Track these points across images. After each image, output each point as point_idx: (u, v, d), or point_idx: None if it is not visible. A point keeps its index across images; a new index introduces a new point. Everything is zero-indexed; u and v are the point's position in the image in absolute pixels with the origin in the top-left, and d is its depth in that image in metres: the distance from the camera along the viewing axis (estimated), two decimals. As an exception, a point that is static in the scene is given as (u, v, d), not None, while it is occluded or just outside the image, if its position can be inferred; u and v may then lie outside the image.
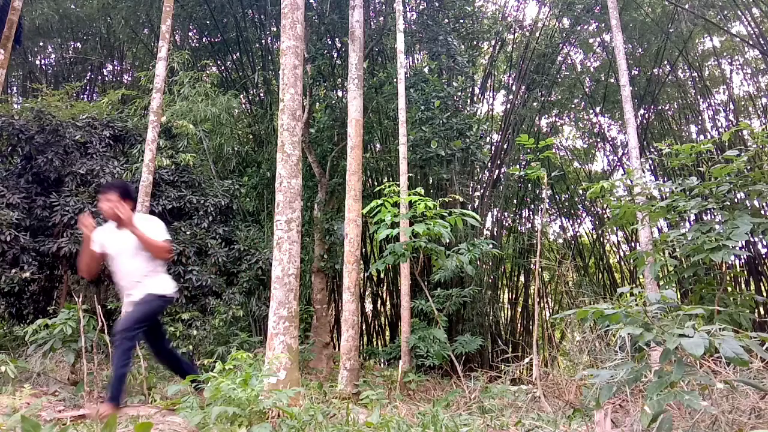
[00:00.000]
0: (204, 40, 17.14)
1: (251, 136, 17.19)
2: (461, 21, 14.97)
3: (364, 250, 16.28)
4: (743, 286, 15.24)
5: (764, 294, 13.76)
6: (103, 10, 15.84)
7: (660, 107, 17.88)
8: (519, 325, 17.54)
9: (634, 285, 13.28)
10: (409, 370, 9.60)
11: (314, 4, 14.92)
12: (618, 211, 7.66)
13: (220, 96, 12.41)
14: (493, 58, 17.65)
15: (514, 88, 17.24)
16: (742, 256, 14.56)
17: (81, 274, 5.57)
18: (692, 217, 10.82)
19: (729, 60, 17.39)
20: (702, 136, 16.90)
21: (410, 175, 11.97)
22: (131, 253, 5.19)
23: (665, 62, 16.17)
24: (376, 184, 15.84)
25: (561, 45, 16.68)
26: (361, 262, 11.79)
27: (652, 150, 16.87)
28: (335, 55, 15.62)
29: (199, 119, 11.65)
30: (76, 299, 7.85)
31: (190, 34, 17.73)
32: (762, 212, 11.33)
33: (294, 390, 5.31)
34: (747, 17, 14.39)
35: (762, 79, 17.11)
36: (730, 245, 6.14)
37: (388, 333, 17.93)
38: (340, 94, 15.08)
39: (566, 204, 19.98)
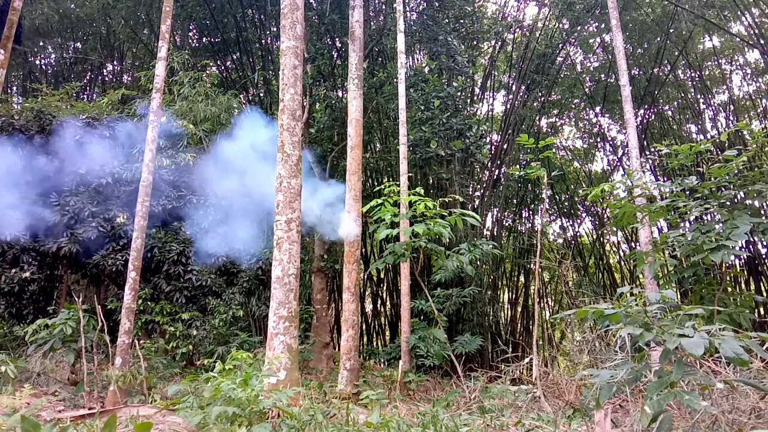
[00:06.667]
0: (204, 40, 17.14)
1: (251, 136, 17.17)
2: (461, 21, 14.96)
3: (364, 250, 16.28)
4: (743, 286, 15.23)
5: (764, 294, 13.76)
6: (103, 10, 15.85)
7: (660, 107, 17.88)
8: (519, 325, 17.53)
9: (634, 285, 13.29)
10: (409, 370, 9.60)
11: (314, 4, 14.92)
12: (618, 212, 7.67)
13: (220, 96, 12.41)
14: (493, 58, 17.64)
15: (514, 88, 17.24)
16: (742, 256, 14.56)
17: None
18: (692, 218, 10.83)
19: (729, 60, 17.38)
20: (702, 136, 16.90)
21: (410, 175, 11.97)
22: None
23: (665, 62, 16.17)
24: (376, 184, 15.83)
25: (561, 45, 16.67)
26: (361, 262, 11.80)
27: (652, 150, 16.86)
28: (335, 55, 15.61)
29: (199, 119, 11.65)
30: (76, 299, 7.86)
31: (190, 34, 17.73)
32: (761, 212, 11.33)
33: (294, 390, 5.32)
34: (747, 17, 14.39)
35: (762, 79, 17.10)
36: (730, 245, 6.15)
37: (388, 333, 17.93)
38: (340, 94, 15.08)
39: (566, 204, 19.98)
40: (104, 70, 19.60)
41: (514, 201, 18.45)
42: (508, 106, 17.18)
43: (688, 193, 7.27)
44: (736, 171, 6.85)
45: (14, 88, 18.88)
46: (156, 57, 9.36)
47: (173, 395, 6.97)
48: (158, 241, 10.99)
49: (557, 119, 20.81)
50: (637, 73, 17.07)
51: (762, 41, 14.16)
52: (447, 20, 14.70)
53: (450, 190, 13.37)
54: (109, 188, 10.79)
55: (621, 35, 10.19)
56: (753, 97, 17.43)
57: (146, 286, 10.83)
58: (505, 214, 18.22)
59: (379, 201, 8.82)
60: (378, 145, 17.14)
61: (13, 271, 10.10)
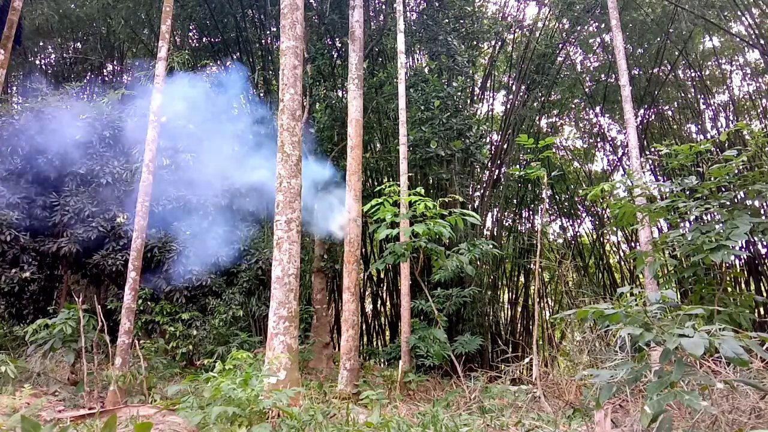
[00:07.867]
0: (204, 40, 17.13)
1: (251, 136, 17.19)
2: (461, 21, 14.96)
3: (364, 250, 16.28)
4: (743, 286, 15.23)
5: (764, 294, 13.76)
6: (103, 10, 15.84)
7: (660, 107, 17.87)
8: (519, 325, 17.53)
9: (634, 285, 13.29)
10: (409, 370, 9.60)
11: (314, 4, 14.92)
12: (618, 212, 7.67)
13: (220, 96, 12.41)
14: (493, 58, 17.64)
15: (514, 88, 17.23)
16: (742, 256, 14.55)
17: None
18: (692, 218, 10.84)
19: (729, 60, 17.37)
20: (702, 136, 16.89)
21: (410, 175, 11.97)
22: None
23: (665, 62, 16.16)
24: (376, 184, 15.83)
25: (561, 45, 16.66)
26: (361, 262, 11.80)
27: (652, 150, 16.86)
28: (335, 55, 15.61)
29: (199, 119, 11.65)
30: (76, 299, 7.86)
31: (190, 34, 17.72)
32: (762, 212, 11.33)
33: (294, 390, 5.32)
34: (747, 17, 14.39)
35: (762, 79, 17.10)
36: (730, 245, 6.15)
37: (388, 333, 17.92)
38: (340, 94, 15.07)
39: (566, 204, 19.98)
40: (104, 70, 19.60)
41: (514, 201, 18.44)
42: (508, 106, 17.17)
43: (688, 193, 7.27)
44: (736, 171, 6.85)
45: (14, 88, 18.88)
46: (156, 57, 9.36)
47: (173, 395, 6.97)
48: (158, 241, 10.99)
49: (557, 119, 20.80)
50: (637, 73, 17.07)
51: (762, 41, 14.15)
52: (447, 20, 14.70)
53: (450, 190, 13.37)
54: (109, 188, 10.79)
55: (621, 35, 10.19)
56: (753, 97, 17.43)
57: (146, 286, 10.83)
58: (505, 214, 18.22)
59: (379, 201, 8.82)
60: (378, 145, 17.13)
61: (13, 271, 10.10)
